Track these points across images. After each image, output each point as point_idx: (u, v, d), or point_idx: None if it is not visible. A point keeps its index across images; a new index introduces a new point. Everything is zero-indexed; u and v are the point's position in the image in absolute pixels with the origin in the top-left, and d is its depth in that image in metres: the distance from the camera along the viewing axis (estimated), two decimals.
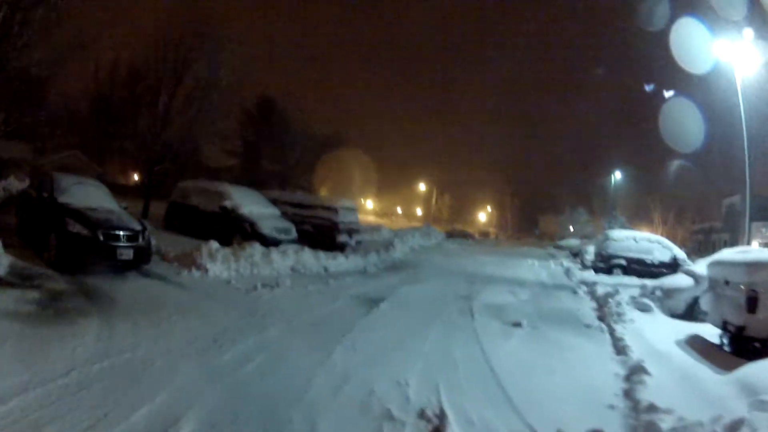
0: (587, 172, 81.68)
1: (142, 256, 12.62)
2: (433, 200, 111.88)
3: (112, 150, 54.20)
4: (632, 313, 13.73)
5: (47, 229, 12.16)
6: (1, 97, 17.24)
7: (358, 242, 26.35)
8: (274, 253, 16.58)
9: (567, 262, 33.54)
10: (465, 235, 69.94)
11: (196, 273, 13.62)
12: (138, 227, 12.76)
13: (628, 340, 10.86)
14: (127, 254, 12.10)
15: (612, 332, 11.94)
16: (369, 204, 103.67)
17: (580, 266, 30.57)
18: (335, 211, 24.77)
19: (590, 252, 30.65)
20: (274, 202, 23.90)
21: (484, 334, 10.85)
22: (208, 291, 12.13)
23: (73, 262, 11.60)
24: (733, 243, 45.38)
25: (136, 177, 51.71)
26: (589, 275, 24.56)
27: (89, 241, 11.67)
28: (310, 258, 17.90)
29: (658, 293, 15.77)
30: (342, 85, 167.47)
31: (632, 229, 49.19)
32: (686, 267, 18.30)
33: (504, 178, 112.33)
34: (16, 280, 9.99)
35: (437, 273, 21.92)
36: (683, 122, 40.12)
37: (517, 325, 11.99)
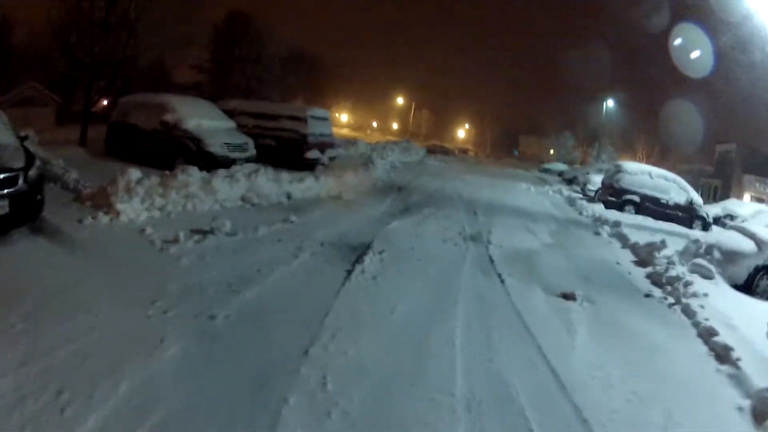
0: (579, 96, 77.85)
1: (25, 205, 8.39)
2: (411, 114, 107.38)
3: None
4: (697, 282, 9.97)
5: None
6: None
7: (332, 159, 22.05)
8: (218, 180, 12.53)
9: (565, 190, 30.06)
10: (445, 152, 65.55)
11: (104, 219, 9.55)
12: (17, 165, 8.36)
13: (722, 332, 7.28)
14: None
15: (688, 312, 8.35)
16: (344, 117, 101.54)
17: (581, 196, 27.33)
18: (304, 121, 20.39)
19: (594, 182, 28.04)
20: (231, 113, 20.11)
21: (533, 321, 7.05)
22: (105, 251, 8.04)
23: None
24: (725, 192, 43.49)
25: (105, 103, 49.02)
26: (600, 209, 21.01)
27: None
28: (268, 182, 13.88)
29: (717, 254, 11.92)
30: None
31: (618, 158, 46.87)
32: (739, 224, 14.87)
33: (485, 96, 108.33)
34: None
35: (429, 198, 18.03)
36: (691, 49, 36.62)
37: (570, 298, 8.28)
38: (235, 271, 7.53)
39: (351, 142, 36.01)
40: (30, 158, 8.90)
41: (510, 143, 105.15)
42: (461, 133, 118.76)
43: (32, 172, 8.62)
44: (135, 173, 11.07)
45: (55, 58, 25.03)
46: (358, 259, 8.84)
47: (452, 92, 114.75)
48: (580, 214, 20.24)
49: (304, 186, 14.95)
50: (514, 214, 17.08)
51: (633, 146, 68.87)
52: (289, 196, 13.95)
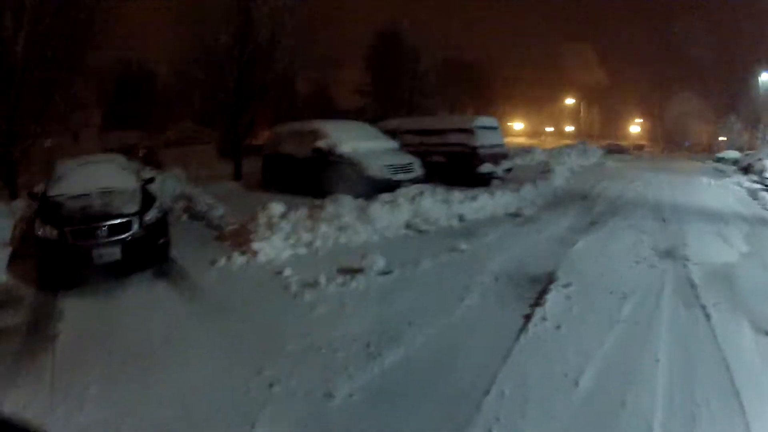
0: (730, 74, 70.82)
1: (141, 251, 8.33)
2: (581, 114, 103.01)
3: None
4: None
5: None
6: None
7: (507, 170, 19.94)
8: (376, 207, 11.18)
9: (745, 181, 26.53)
10: (621, 151, 62.04)
11: (239, 259, 8.75)
12: (130, 210, 8.38)
13: None
14: (110, 254, 7.99)
15: None
16: (517, 126, 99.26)
17: (762, 187, 23.57)
18: (471, 132, 18.35)
19: None
20: (393, 133, 18.63)
21: (744, 380, 5.07)
22: (228, 298, 7.30)
23: (48, 276, 8.31)
24: None
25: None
26: None
27: (55, 244, 7.97)
28: (436, 204, 12.31)
29: None
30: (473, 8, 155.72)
31: None
32: None
33: (654, 85, 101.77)
34: None
35: (613, 206, 15.76)
36: None
37: None
38: (380, 324, 6.11)
39: (526, 150, 33.90)
40: (148, 202, 8.84)
41: (679, 135, 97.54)
42: (634, 128, 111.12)
43: (149, 216, 8.53)
44: (278, 207, 10.27)
45: (191, 97, 25.75)
46: (539, 298, 7.13)
47: (618, 84, 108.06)
48: (765, 208, 17.20)
49: (477, 205, 13.32)
50: (702, 216, 14.67)
51: None
52: (461, 218, 12.39)
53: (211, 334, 5.88)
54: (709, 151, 69.29)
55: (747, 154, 41.42)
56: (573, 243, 10.44)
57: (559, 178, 21.79)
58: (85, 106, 27.69)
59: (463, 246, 9.61)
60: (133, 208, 8.36)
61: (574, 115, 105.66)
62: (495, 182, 18.18)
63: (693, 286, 7.98)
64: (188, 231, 9.96)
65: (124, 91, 49.91)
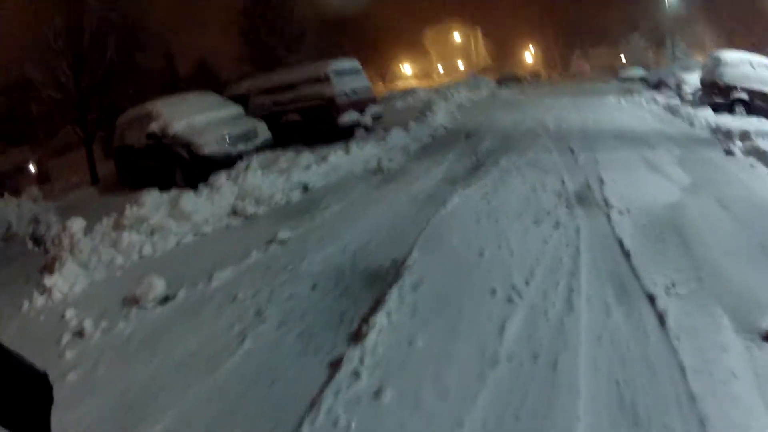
0: None
1: None
2: (472, 47, 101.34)
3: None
4: None
5: None
6: None
7: (377, 118, 16.56)
8: (190, 197, 8.90)
9: (659, 97, 24.11)
10: (517, 78, 59.92)
11: (39, 300, 6.33)
12: None
13: None
14: None
15: None
16: (407, 69, 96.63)
17: (679, 102, 21.36)
18: (326, 79, 15.10)
19: (689, 82, 22.78)
20: (243, 96, 16.12)
21: None
22: None
23: None
24: None
25: None
26: (709, 115, 15.65)
27: None
28: (271, 177, 9.95)
29: None
30: None
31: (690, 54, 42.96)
32: None
33: (543, 14, 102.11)
34: None
35: (506, 140, 12.84)
36: None
37: None
38: (122, 398, 4.02)
39: (407, 92, 30.98)
40: None
41: (581, 58, 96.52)
42: (528, 57, 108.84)
43: None
44: (78, 223, 7.83)
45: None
46: (366, 320, 4.33)
47: (509, 18, 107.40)
48: (692, 125, 14.74)
49: (328, 166, 10.76)
50: (620, 140, 11.91)
51: (699, 39, 61.25)
52: (305, 188, 9.79)
53: None
54: (611, 71, 68.37)
55: (655, 70, 41.28)
56: (444, 201, 7.52)
57: (442, 115, 18.83)
58: None
59: (286, 234, 6.99)
60: None
61: (464, 52, 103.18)
62: (360, 132, 15.06)
63: (627, 255, 5.11)
64: (26, 260, 8.31)
65: None
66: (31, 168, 36.87)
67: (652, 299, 4.12)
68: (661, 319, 3.83)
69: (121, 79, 22.22)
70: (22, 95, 28.09)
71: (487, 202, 7.27)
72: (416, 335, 3.94)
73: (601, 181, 7.80)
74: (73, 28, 20.20)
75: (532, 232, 5.89)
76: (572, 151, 10.55)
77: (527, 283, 4.56)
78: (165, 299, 5.68)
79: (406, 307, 4.39)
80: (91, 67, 20.69)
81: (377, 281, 5.07)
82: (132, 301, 5.66)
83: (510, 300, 4.31)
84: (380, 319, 4.18)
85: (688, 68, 26.21)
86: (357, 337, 4.02)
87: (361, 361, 3.67)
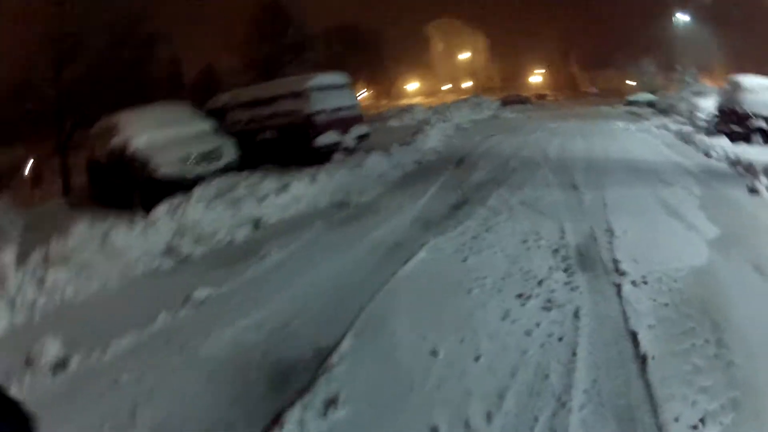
0: (647, 18, 71.04)
1: None
2: (480, 67, 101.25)
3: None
4: None
5: None
6: None
7: (362, 137, 14.93)
8: (121, 232, 7.52)
9: (670, 123, 23.07)
10: (522, 101, 58.40)
11: None
12: None
13: None
14: None
15: None
16: (411, 86, 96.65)
17: (692, 128, 20.08)
18: (305, 95, 13.61)
19: (702, 108, 21.17)
20: (221, 110, 14.98)
21: None
22: None
23: None
24: None
25: None
26: (727, 144, 14.21)
27: None
28: (216, 208, 8.53)
29: None
30: None
31: (699, 79, 40.90)
32: None
33: (553, 37, 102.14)
34: None
35: (500, 171, 11.31)
36: None
37: None
38: None
39: (405, 110, 29.75)
40: None
41: (588, 81, 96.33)
42: (535, 78, 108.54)
43: None
44: (9, 255, 6.65)
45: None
46: None
47: (518, 40, 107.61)
48: (708, 155, 13.32)
49: (288, 196, 9.24)
50: (632, 173, 10.37)
51: (709, 64, 60.48)
52: (256, 224, 8.31)
53: None
54: (619, 94, 67.54)
55: (665, 95, 40.28)
56: (408, 256, 5.93)
57: (435, 137, 17.45)
58: None
59: (205, 292, 5.48)
60: None
61: (472, 71, 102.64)
62: (340, 156, 13.25)
63: (640, 361, 3.57)
64: None
65: None
66: (26, 169, 35.43)
67: None
68: None
69: (108, 86, 21.67)
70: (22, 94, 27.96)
71: (461, 260, 5.71)
72: None
73: (611, 233, 6.29)
74: (54, 32, 20.36)
75: (513, 315, 4.28)
76: (576, 188, 9.07)
77: (489, 420, 2.99)
78: (62, 363, 4.54)
79: None
80: (72, 72, 20.85)
81: (286, 385, 3.59)
82: (29, 363, 4.59)
83: None
84: None
85: (700, 93, 25.40)
86: None
87: None
